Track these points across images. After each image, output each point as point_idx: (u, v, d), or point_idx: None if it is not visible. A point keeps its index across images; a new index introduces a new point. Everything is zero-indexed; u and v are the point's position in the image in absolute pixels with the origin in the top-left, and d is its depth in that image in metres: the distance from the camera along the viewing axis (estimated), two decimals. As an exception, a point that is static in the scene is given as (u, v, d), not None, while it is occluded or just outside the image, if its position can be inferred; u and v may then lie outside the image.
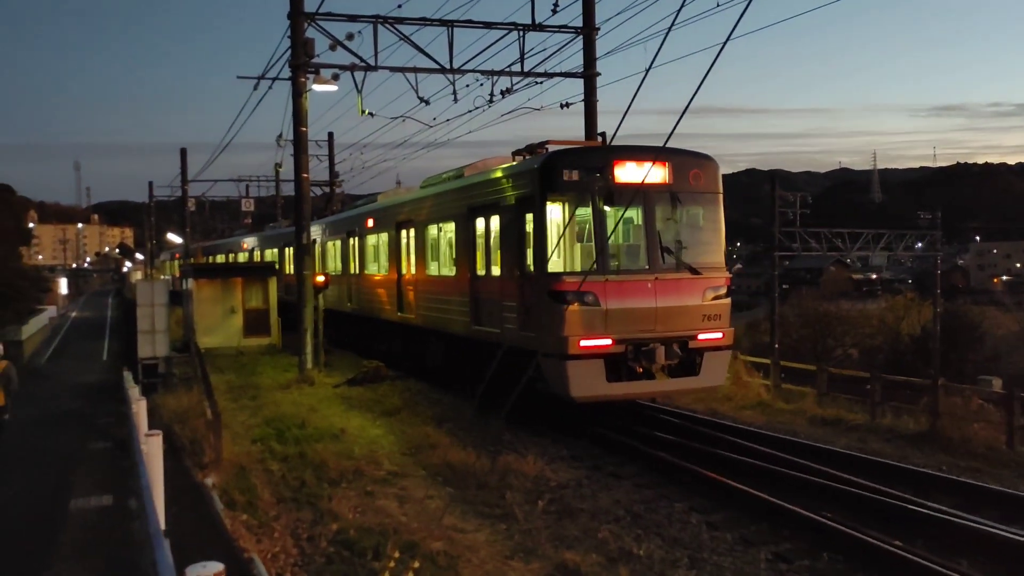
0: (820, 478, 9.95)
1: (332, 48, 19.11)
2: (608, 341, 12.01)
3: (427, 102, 20.88)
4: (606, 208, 12.47)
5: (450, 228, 16.47)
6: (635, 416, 14.29)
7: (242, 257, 43.39)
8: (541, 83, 20.91)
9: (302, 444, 12.48)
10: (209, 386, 13.54)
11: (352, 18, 19.70)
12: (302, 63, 19.36)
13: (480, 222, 14.83)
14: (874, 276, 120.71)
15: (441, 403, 15.73)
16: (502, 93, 21.08)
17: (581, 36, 21.26)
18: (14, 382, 11.38)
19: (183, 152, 49.62)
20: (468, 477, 10.78)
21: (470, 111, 21.69)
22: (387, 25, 19.96)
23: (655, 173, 12.76)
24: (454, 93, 20.92)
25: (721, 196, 13.51)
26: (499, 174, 14.34)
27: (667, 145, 5.82)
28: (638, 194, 12.37)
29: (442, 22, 20.29)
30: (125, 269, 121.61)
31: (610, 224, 12.63)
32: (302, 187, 20.24)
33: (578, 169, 12.53)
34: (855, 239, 43.85)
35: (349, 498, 9.90)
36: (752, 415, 14.89)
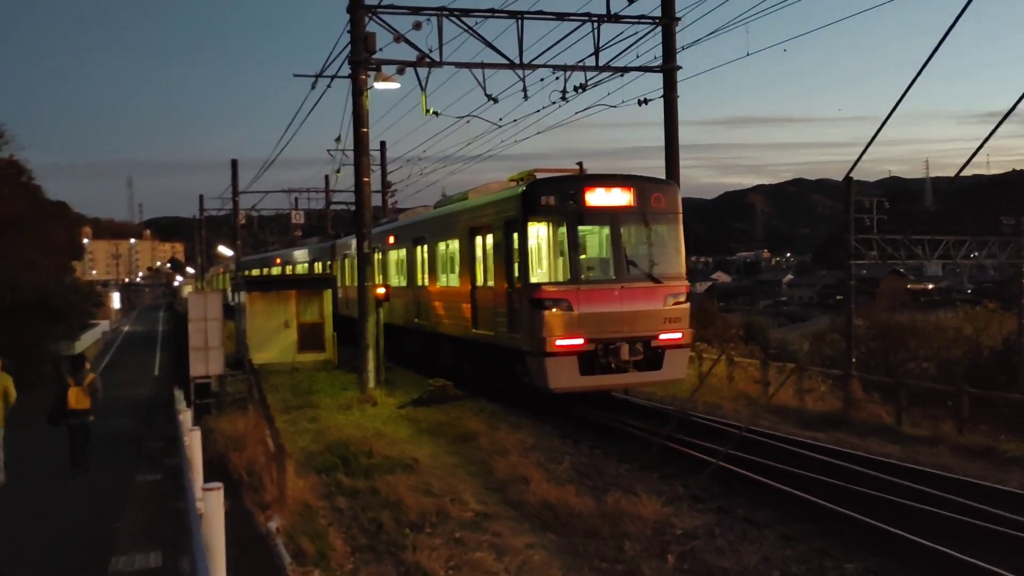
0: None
1: (396, 41, 17.74)
2: (580, 340, 13.85)
3: (495, 100, 19.43)
4: (578, 227, 14.45)
5: (455, 245, 18.37)
6: (749, 445, 12.53)
7: (275, 271, 43.43)
8: (622, 75, 19.32)
9: (372, 476, 11.11)
10: (269, 412, 12.16)
11: (415, 11, 18.32)
12: (363, 59, 18.05)
13: (479, 240, 16.74)
14: (931, 286, 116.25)
15: (522, 427, 14.12)
16: (575, 89, 19.64)
17: (660, 27, 19.70)
18: (99, 392, 12.49)
19: (234, 163, 48.87)
20: (572, 521, 9.16)
21: (539, 110, 20.33)
22: (452, 18, 18.59)
23: (621, 197, 14.64)
24: (524, 90, 19.44)
25: (680, 215, 15.26)
26: (493, 199, 16.42)
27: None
28: (606, 215, 14.51)
29: (511, 14, 18.87)
30: (176, 283, 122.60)
31: (583, 241, 14.72)
32: (363, 192, 18.90)
33: (554, 195, 14.46)
34: (934, 246, 41.35)
35: (436, 547, 8.37)
36: (881, 444, 12.93)
